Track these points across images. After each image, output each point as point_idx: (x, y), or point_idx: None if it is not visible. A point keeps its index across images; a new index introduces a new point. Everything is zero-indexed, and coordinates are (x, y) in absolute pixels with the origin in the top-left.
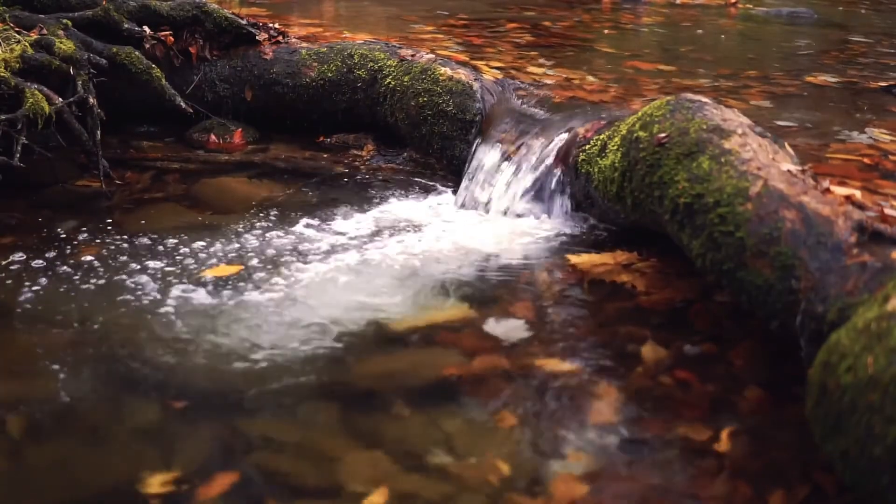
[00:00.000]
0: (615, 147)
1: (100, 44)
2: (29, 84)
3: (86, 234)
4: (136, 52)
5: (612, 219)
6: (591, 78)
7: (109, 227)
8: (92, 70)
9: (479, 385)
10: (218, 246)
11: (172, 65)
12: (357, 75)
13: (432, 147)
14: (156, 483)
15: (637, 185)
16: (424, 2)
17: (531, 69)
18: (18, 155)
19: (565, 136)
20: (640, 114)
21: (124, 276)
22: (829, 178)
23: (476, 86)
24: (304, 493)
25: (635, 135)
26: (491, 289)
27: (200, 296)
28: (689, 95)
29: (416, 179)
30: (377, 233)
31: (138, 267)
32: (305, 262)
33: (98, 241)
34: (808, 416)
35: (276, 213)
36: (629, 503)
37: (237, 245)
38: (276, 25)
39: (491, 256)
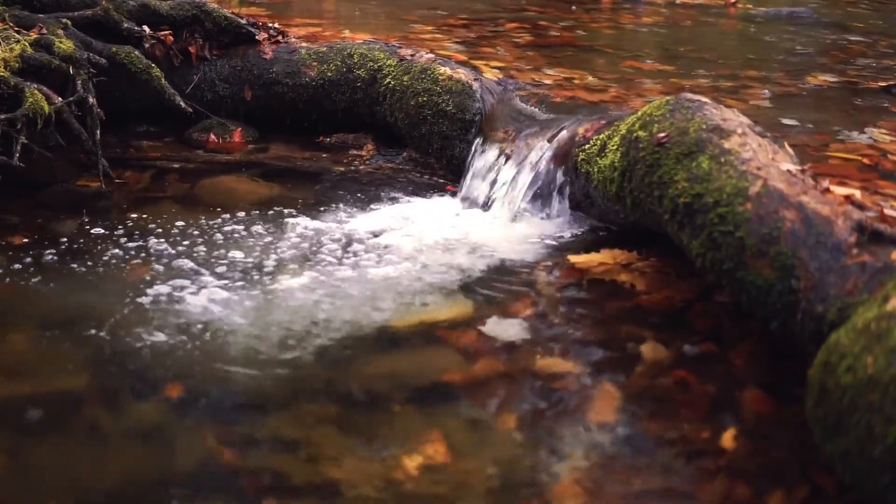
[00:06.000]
0: (615, 147)
1: (99, 43)
2: (28, 83)
3: (86, 234)
4: (136, 52)
5: (611, 219)
6: (591, 78)
7: (109, 227)
8: (92, 69)
9: (479, 385)
10: (217, 245)
11: (172, 64)
12: (357, 75)
13: (432, 147)
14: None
15: (637, 184)
16: (424, 2)
17: (531, 69)
18: (18, 154)
19: (565, 135)
20: (639, 113)
21: (124, 275)
22: (829, 178)
23: (476, 85)
24: (302, 492)
25: (635, 134)
26: (491, 288)
27: (200, 294)
28: (689, 95)
29: (416, 179)
30: (376, 232)
31: (138, 265)
32: (304, 262)
33: (98, 240)
34: (808, 417)
35: (275, 212)
36: (629, 503)
37: (236, 244)
38: (276, 25)
39: (490, 256)
